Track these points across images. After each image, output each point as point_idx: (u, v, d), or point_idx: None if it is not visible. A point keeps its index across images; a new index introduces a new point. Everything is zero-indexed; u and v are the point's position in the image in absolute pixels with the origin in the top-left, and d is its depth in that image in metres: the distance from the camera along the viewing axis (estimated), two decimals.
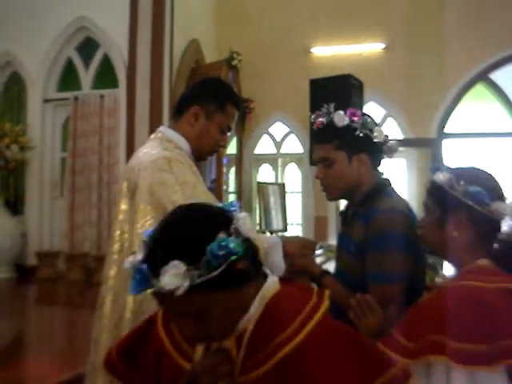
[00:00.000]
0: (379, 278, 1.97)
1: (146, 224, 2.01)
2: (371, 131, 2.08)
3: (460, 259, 1.68)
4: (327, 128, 2.10)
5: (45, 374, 3.42)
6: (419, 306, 1.64)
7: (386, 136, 2.15)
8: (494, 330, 1.42)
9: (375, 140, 2.09)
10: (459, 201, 1.63)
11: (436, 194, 1.72)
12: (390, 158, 2.21)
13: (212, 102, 2.22)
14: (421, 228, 1.82)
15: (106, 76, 7.51)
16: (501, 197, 1.67)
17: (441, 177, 1.69)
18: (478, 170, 1.76)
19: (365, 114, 2.15)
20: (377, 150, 2.14)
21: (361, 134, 2.07)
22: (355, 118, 2.07)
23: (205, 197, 2.00)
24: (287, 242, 2.06)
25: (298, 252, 2.08)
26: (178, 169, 2.03)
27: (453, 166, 1.77)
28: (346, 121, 2.06)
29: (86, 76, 7.65)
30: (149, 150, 2.16)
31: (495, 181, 1.73)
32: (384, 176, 2.23)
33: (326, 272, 2.16)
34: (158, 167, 2.03)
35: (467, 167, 1.77)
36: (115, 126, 7.19)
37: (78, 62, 7.68)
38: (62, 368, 3.44)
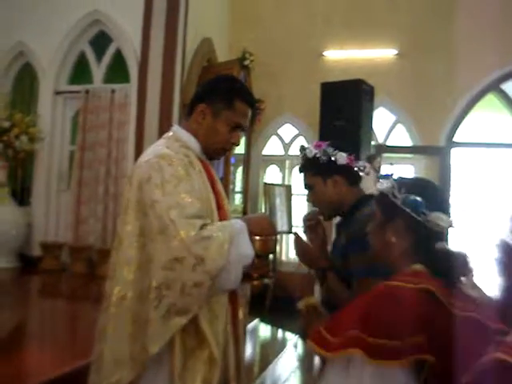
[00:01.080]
0: (362, 273, 2.20)
1: (127, 219, 2.06)
2: (331, 157, 2.43)
3: (397, 265, 1.71)
4: (305, 160, 2.52)
5: (46, 365, 3.43)
6: (348, 303, 1.69)
7: (351, 159, 2.46)
8: (405, 326, 1.46)
9: (339, 163, 2.42)
10: (398, 208, 1.69)
11: (379, 201, 1.79)
12: (368, 174, 2.52)
13: (219, 99, 2.21)
14: (369, 234, 1.87)
15: (117, 71, 7.54)
16: (443, 208, 1.70)
17: (384, 184, 1.75)
18: (425, 180, 1.85)
19: (331, 143, 2.49)
20: (346, 170, 2.46)
21: (324, 161, 2.43)
22: (318, 149, 2.46)
23: (184, 196, 2.00)
24: (252, 223, 2.10)
25: (266, 233, 2.16)
26: (168, 167, 2.04)
27: (406, 176, 1.84)
28: (313, 152, 2.47)
29: (98, 70, 7.68)
30: (152, 149, 2.19)
31: (441, 192, 1.80)
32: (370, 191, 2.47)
33: (332, 267, 2.46)
34: (150, 165, 2.05)
35: (414, 177, 1.83)
36: (125, 121, 7.21)
37: (91, 56, 7.71)
38: (63, 360, 3.45)
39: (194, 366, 2.01)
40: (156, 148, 2.18)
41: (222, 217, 2.21)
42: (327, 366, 1.57)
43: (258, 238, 2.19)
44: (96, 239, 7.07)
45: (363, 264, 2.17)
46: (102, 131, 7.25)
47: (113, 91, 7.33)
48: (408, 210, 1.66)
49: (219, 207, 2.22)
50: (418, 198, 1.66)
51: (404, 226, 1.69)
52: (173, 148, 2.16)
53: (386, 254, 1.75)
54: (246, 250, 2.00)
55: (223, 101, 2.20)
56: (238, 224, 2.06)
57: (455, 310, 1.53)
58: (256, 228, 2.10)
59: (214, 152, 2.30)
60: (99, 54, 7.68)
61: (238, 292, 2.30)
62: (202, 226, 1.94)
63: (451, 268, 1.64)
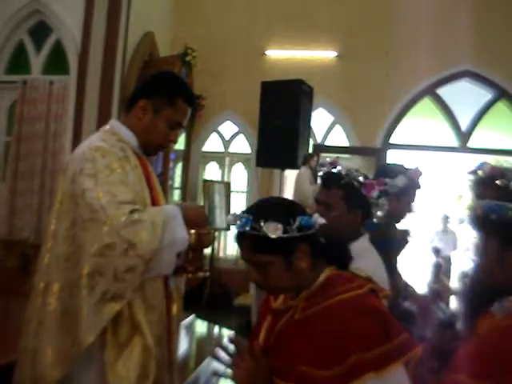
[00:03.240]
0: None
1: (60, 211, 2.07)
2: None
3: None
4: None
5: None
6: None
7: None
8: (388, 329, 1.50)
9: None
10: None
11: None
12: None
13: (161, 96, 2.21)
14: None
15: (57, 62, 7.38)
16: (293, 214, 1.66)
17: None
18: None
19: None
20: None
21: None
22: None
23: (116, 185, 2.01)
24: (187, 210, 2.12)
25: (197, 219, 2.18)
26: (102, 158, 2.05)
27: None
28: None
29: (37, 60, 7.51)
30: (87, 142, 2.19)
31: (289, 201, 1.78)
32: None
33: None
34: (84, 157, 2.06)
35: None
36: (63, 114, 7.07)
37: (29, 46, 7.53)
38: None
39: (129, 358, 2.00)
40: (91, 140, 2.18)
41: None
42: None
43: (193, 231, 2.21)
44: (31, 233, 6.93)
45: None
46: (39, 123, 7.10)
47: (51, 83, 7.18)
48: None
49: (154, 203, 2.22)
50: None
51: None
52: (108, 141, 2.16)
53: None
54: (179, 233, 2.01)
55: (165, 98, 2.21)
56: (172, 208, 2.08)
57: None
58: (190, 216, 2.10)
59: (152, 148, 2.30)
60: (38, 45, 7.49)
61: (172, 286, 2.30)
62: (133, 211, 1.94)
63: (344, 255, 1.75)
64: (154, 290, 2.13)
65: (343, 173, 2.33)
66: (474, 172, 2.64)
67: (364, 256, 2.08)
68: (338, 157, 2.58)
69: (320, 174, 2.42)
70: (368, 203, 2.34)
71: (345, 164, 2.37)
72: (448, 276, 8.82)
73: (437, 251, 9.74)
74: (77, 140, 6.63)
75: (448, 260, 9.63)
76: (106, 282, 1.91)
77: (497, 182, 2.50)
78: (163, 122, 2.22)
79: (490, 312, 1.61)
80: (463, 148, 9.05)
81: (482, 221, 1.67)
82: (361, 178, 2.32)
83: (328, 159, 2.46)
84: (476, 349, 1.52)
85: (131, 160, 2.18)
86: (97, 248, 1.91)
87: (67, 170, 2.11)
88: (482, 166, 2.61)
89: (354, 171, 2.34)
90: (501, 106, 8.84)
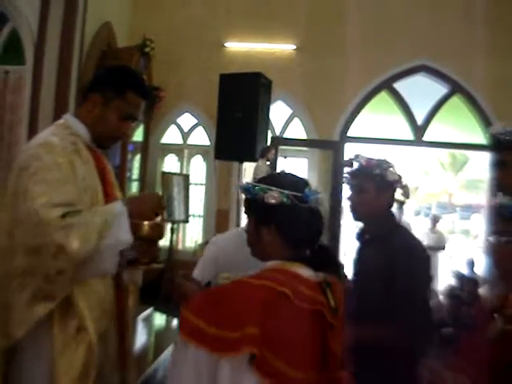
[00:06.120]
0: None
1: (4, 205, 2.07)
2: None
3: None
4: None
5: None
6: None
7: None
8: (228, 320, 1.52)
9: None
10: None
11: None
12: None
13: (111, 88, 2.22)
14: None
15: (12, 52, 7.25)
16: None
17: None
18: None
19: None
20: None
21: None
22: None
23: (55, 184, 2.00)
24: (131, 205, 2.10)
25: (145, 212, 2.17)
26: (46, 155, 2.04)
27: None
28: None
29: None
30: (38, 137, 2.19)
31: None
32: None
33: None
34: (30, 154, 2.06)
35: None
36: (19, 104, 6.96)
37: None
38: None
39: (73, 352, 2.01)
40: (41, 135, 2.18)
41: None
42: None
43: (146, 222, 2.21)
44: None
45: None
46: None
47: (6, 72, 7.04)
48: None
49: (108, 195, 2.23)
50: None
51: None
52: (60, 135, 2.16)
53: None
54: (122, 235, 2.00)
55: (115, 90, 2.22)
56: (117, 207, 2.06)
57: None
58: (136, 209, 2.10)
59: (105, 140, 2.30)
60: None
61: (126, 279, 2.31)
62: (68, 213, 1.93)
63: None
64: (102, 284, 2.14)
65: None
66: (349, 164, 2.69)
67: None
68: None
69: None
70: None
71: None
72: None
73: None
74: (32, 131, 6.53)
75: None
76: (37, 283, 1.92)
77: (374, 172, 2.57)
78: (114, 113, 2.23)
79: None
80: (419, 141, 9.21)
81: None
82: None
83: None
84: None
85: (82, 154, 2.18)
86: (29, 248, 1.92)
87: (15, 162, 2.11)
88: (357, 157, 2.66)
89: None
90: (456, 100, 9.00)
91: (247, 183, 1.77)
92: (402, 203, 2.68)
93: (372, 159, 2.62)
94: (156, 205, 2.19)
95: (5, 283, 1.96)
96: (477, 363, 1.67)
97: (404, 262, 2.41)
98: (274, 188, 1.69)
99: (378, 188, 2.59)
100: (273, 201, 1.67)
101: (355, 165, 2.66)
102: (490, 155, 2.83)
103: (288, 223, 1.71)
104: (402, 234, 2.66)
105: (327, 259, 1.77)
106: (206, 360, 1.49)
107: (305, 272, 1.69)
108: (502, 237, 1.71)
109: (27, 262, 1.92)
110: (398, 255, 2.44)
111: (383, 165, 2.60)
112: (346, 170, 2.71)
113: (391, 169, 2.61)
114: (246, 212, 1.82)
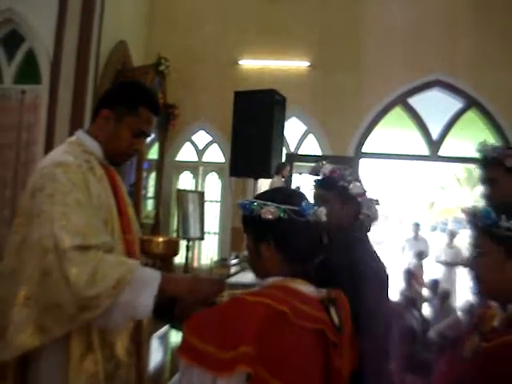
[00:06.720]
0: None
1: (16, 224, 2.03)
2: None
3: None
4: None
5: None
6: None
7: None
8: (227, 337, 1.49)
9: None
10: None
11: None
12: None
13: (123, 104, 2.18)
14: None
15: (29, 71, 7.32)
16: None
17: None
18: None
19: None
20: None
21: None
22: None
23: (73, 206, 1.94)
24: (195, 286, 2.03)
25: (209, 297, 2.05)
26: (63, 175, 1.99)
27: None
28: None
29: (8, 69, 7.43)
30: (51, 155, 2.16)
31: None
32: None
33: None
34: (45, 174, 2.01)
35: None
36: (35, 123, 7.03)
37: (1, 55, 7.45)
38: None
39: (85, 370, 1.98)
40: (55, 154, 2.15)
41: (124, 222, 2.21)
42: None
43: (160, 239, 2.15)
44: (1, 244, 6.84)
45: None
46: (10, 133, 7.03)
47: (23, 92, 7.12)
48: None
49: (121, 213, 2.21)
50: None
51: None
52: (73, 153, 2.13)
53: None
54: (143, 300, 1.91)
55: (127, 106, 2.18)
56: (148, 271, 1.99)
57: None
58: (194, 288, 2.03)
59: (117, 157, 2.26)
60: (10, 54, 7.42)
61: None
62: (88, 247, 1.87)
63: None
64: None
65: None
66: (315, 173, 2.60)
67: None
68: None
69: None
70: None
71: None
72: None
73: (420, 255, 9.85)
74: (49, 150, 6.47)
75: (420, 267, 9.75)
76: (36, 310, 1.87)
77: (338, 184, 2.48)
78: (126, 130, 2.19)
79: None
80: (434, 156, 9.17)
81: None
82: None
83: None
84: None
85: (96, 171, 2.15)
86: (36, 274, 1.86)
87: (28, 181, 2.08)
88: (321, 167, 2.57)
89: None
90: (471, 114, 8.97)
91: (244, 200, 1.76)
92: (369, 220, 2.55)
93: (336, 170, 2.52)
94: (212, 293, 2.06)
95: (7, 306, 1.91)
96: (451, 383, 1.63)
97: (344, 281, 2.23)
98: (270, 203, 1.68)
99: (341, 200, 2.50)
100: (270, 216, 1.66)
101: (321, 174, 2.59)
102: (479, 172, 2.81)
103: (286, 238, 1.68)
104: (359, 251, 2.46)
105: (330, 273, 1.75)
106: (204, 380, 1.47)
107: (306, 288, 1.66)
108: (475, 249, 1.68)
109: (30, 287, 1.87)
110: (338, 272, 2.28)
111: (347, 177, 2.51)
112: (312, 178, 2.64)
113: (356, 182, 2.50)
114: (244, 230, 1.80)
